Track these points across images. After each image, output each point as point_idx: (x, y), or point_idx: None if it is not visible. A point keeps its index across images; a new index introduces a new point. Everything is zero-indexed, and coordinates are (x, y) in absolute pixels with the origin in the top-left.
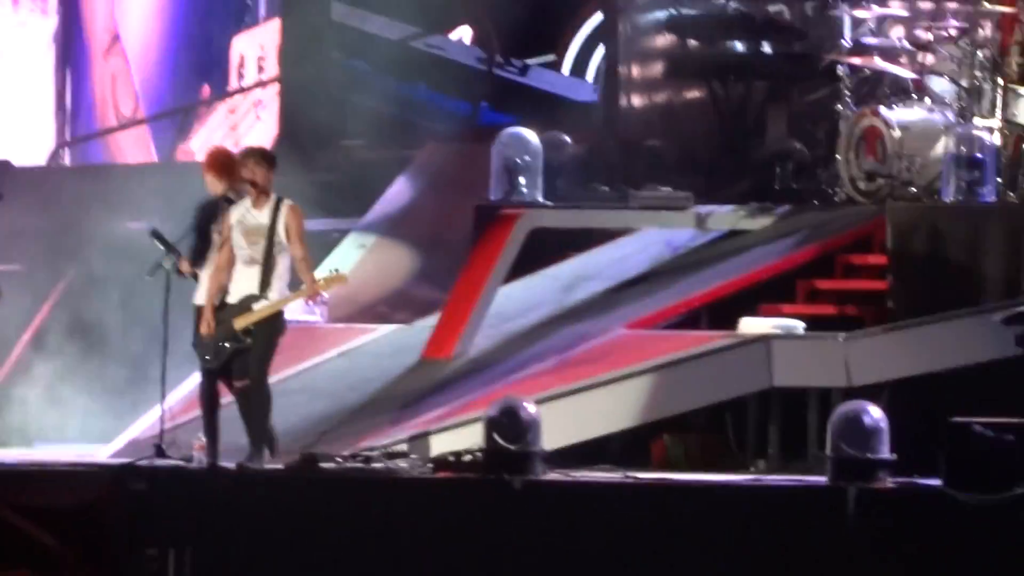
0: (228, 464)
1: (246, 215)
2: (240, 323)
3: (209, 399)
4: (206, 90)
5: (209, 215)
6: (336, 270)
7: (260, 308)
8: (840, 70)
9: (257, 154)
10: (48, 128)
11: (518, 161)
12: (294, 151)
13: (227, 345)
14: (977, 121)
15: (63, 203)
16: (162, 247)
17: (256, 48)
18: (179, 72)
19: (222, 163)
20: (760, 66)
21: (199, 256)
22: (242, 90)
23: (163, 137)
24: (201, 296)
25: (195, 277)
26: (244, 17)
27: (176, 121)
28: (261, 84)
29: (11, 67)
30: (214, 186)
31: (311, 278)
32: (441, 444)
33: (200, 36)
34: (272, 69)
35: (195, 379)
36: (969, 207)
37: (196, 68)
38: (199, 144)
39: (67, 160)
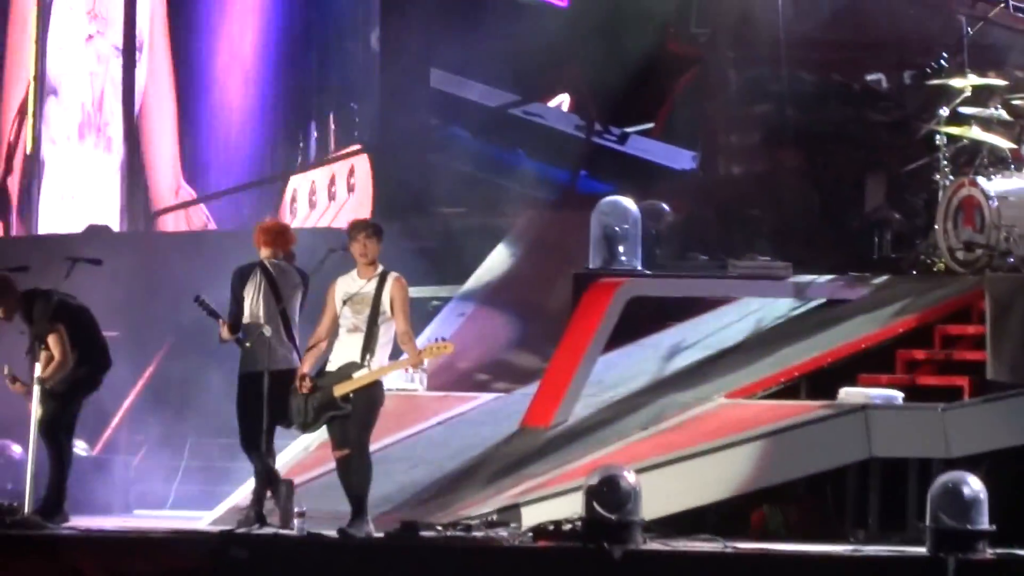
0: (329, 532)
1: (352, 284)
2: (340, 390)
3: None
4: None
5: (244, 281)
6: (442, 339)
7: (360, 376)
8: (938, 139)
9: (369, 227)
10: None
11: (617, 229)
12: (391, 218)
13: (325, 410)
14: None
15: (159, 268)
16: (206, 313)
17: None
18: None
19: (275, 233)
20: (858, 135)
21: (236, 321)
22: (333, 159)
23: (260, 205)
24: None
25: (237, 343)
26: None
27: (269, 191)
28: (353, 154)
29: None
30: (262, 252)
31: (414, 349)
32: (541, 513)
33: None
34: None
35: (292, 448)
36: None
37: (285, 141)
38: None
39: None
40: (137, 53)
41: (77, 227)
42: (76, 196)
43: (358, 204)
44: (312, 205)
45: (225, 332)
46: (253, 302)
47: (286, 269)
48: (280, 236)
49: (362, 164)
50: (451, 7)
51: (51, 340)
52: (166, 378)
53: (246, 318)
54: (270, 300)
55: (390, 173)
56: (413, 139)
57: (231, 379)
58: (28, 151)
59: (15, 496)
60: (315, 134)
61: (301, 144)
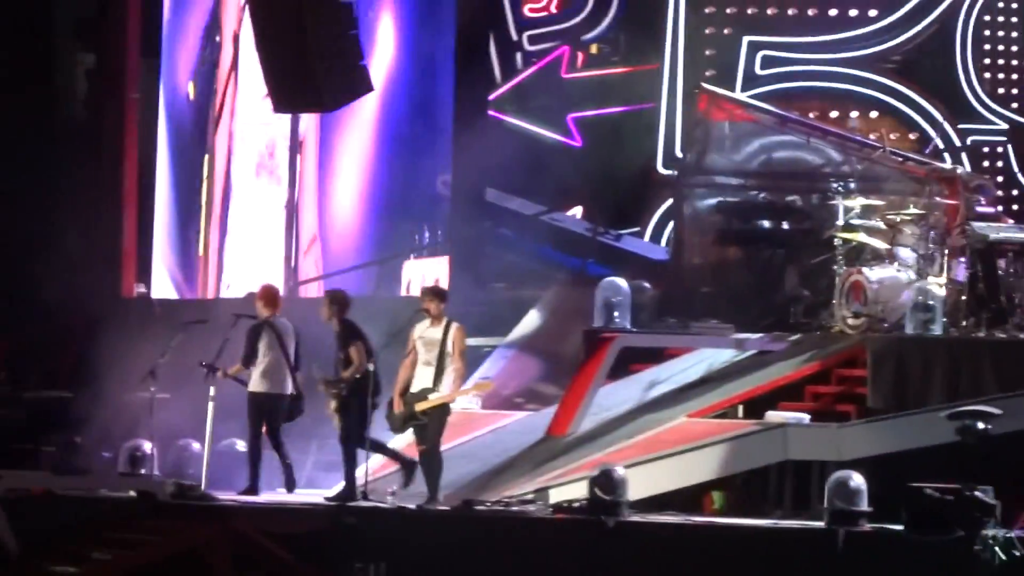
0: (411, 505)
1: (426, 331)
2: (420, 407)
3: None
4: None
5: (257, 333)
6: (486, 378)
7: (433, 398)
8: (836, 241)
9: (433, 291)
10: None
11: (613, 300)
12: (463, 290)
13: (410, 420)
14: (930, 279)
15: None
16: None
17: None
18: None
19: (271, 296)
20: (781, 238)
21: (248, 362)
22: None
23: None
24: (254, 385)
25: (236, 379)
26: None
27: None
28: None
29: (252, 225)
30: (262, 311)
31: (456, 388)
32: (559, 494)
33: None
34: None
35: (391, 444)
36: (924, 338)
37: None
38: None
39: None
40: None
41: (248, 287)
42: (251, 251)
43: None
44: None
45: (232, 370)
46: (265, 349)
47: (284, 323)
48: (277, 298)
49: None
50: (501, 148)
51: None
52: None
53: (261, 359)
54: (275, 346)
55: (462, 258)
56: (476, 236)
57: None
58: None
59: (195, 479)
60: (426, 232)
61: (416, 237)
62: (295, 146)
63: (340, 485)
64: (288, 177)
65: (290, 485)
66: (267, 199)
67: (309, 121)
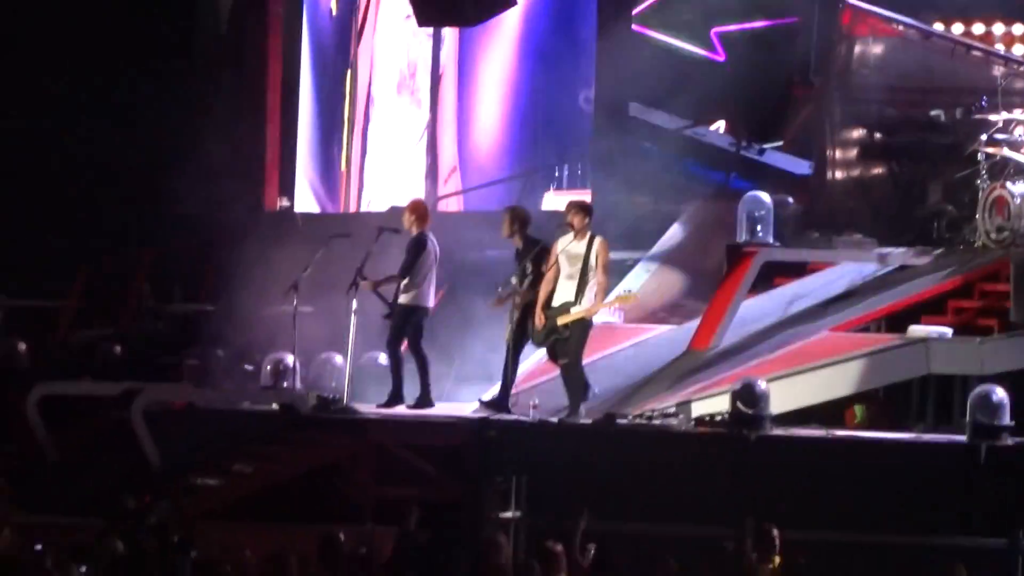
0: (553, 419)
1: (569, 245)
2: (562, 320)
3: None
4: None
5: (422, 246)
6: (629, 290)
7: (576, 311)
8: (979, 156)
9: (578, 205)
10: (419, 189)
11: (756, 214)
12: (607, 204)
13: (551, 334)
14: None
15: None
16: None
17: None
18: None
19: (423, 211)
20: (924, 152)
21: (406, 273)
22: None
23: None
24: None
25: (378, 294)
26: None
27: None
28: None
29: (393, 142)
30: (414, 225)
31: (598, 301)
32: (701, 408)
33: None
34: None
35: (530, 360)
36: None
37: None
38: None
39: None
40: (441, 41)
41: (389, 202)
42: (391, 167)
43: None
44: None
45: (367, 285)
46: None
47: (433, 239)
48: (427, 213)
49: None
50: (644, 62)
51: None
52: (450, 313)
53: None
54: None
55: (604, 173)
56: (620, 149)
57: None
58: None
59: (338, 392)
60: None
61: (556, 171)
62: (436, 73)
63: (495, 389)
64: (429, 101)
65: (422, 401)
66: (408, 119)
67: (450, 46)
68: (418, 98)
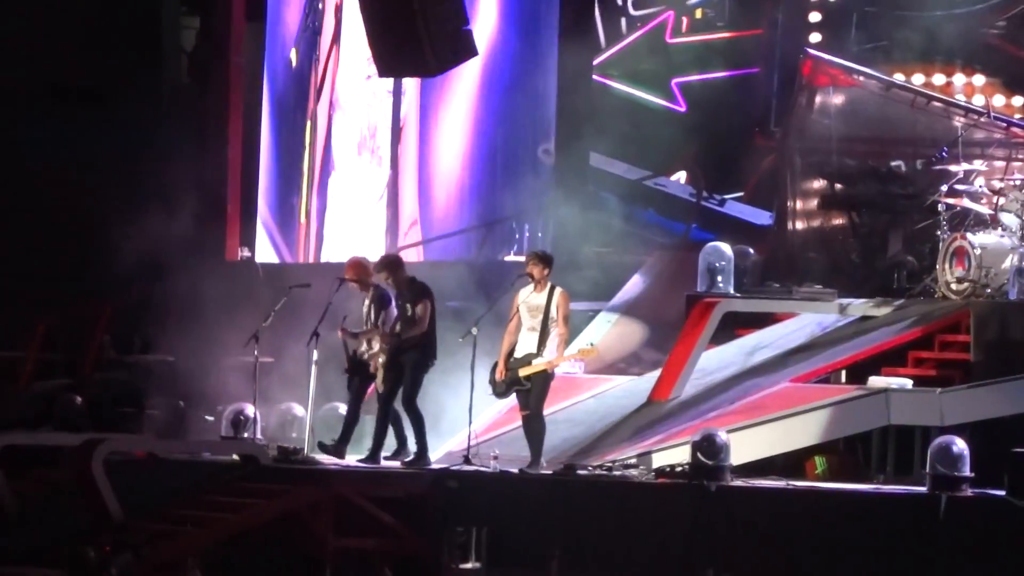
0: (513, 469)
1: (529, 296)
2: (524, 372)
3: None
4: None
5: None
6: (592, 343)
7: (537, 363)
8: (940, 207)
9: (537, 255)
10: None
11: (717, 265)
12: (564, 254)
13: (513, 385)
14: None
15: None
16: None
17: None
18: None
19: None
20: (884, 203)
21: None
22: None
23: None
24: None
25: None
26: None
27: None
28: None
29: (353, 197)
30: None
31: (560, 353)
32: (661, 459)
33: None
34: None
35: (490, 411)
36: None
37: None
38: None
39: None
40: (402, 94)
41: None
42: (351, 221)
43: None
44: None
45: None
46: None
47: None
48: (366, 271)
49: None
50: (606, 111)
51: (419, 309)
52: None
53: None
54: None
55: (563, 227)
56: (579, 202)
57: (449, 366)
58: (307, 167)
59: (298, 443)
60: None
61: (516, 236)
62: (396, 128)
63: (402, 449)
64: (390, 158)
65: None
66: (368, 177)
67: (411, 99)
68: (379, 156)
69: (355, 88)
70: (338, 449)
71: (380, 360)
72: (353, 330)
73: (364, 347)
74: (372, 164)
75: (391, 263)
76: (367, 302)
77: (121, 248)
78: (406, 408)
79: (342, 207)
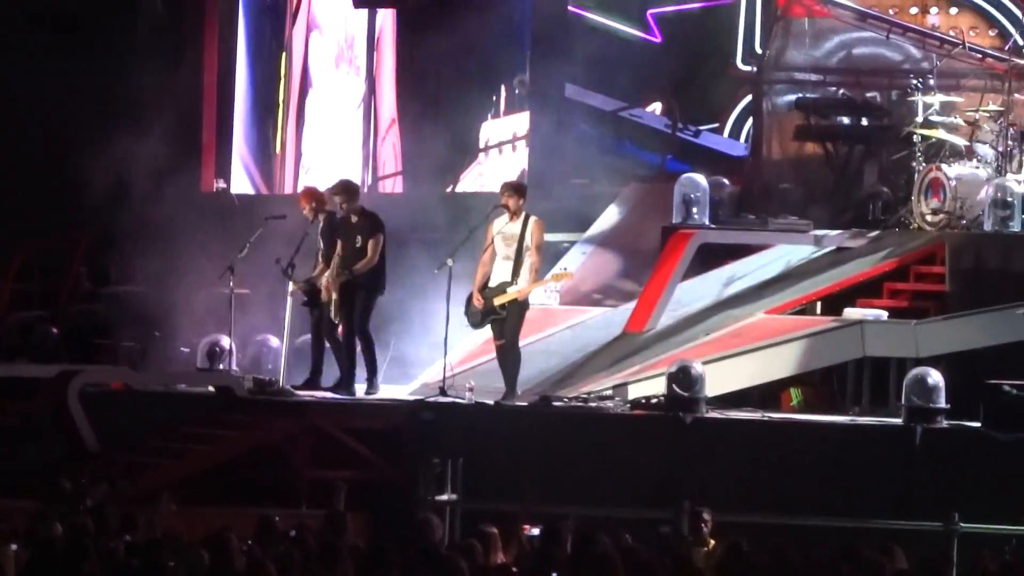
0: (488, 401)
1: (504, 226)
2: (498, 301)
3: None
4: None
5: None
6: (565, 268)
7: (511, 291)
8: (915, 138)
9: (512, 185)
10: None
11: (692, 196)
12: (541, 187)
13: (488, 315)
14: (1009, 176)
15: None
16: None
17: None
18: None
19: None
20: (860, 134)
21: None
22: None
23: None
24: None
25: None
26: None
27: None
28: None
29: (330, 118)
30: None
31: (531, 279)
32: (637, 390)
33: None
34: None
35: (466, 342)
36: (1002, 235)
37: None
38: (471, 181)
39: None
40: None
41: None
42: (330, 148)
43: (515, 171)
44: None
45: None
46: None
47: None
48: (321, 198)
49: (521, 149)
50: (581, 42)
51: (371, 243)
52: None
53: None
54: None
55: (541, 154)
56: (556, 132)
57: (429, 295)
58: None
59: (274, 374)
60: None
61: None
62: (372, 39)
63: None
64: (366, 68)
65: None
66: (346, 90)
67: (386, 16)
68: (356, 66)
69: (330, 4)
70: (313, 383)
71: (333, 293)
72: (301, 280)
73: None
74: (351, 74)
75: (348, 187)
76: (320, 228)
77: (96, 179)
78: (358, 335)
79: (319, 132)
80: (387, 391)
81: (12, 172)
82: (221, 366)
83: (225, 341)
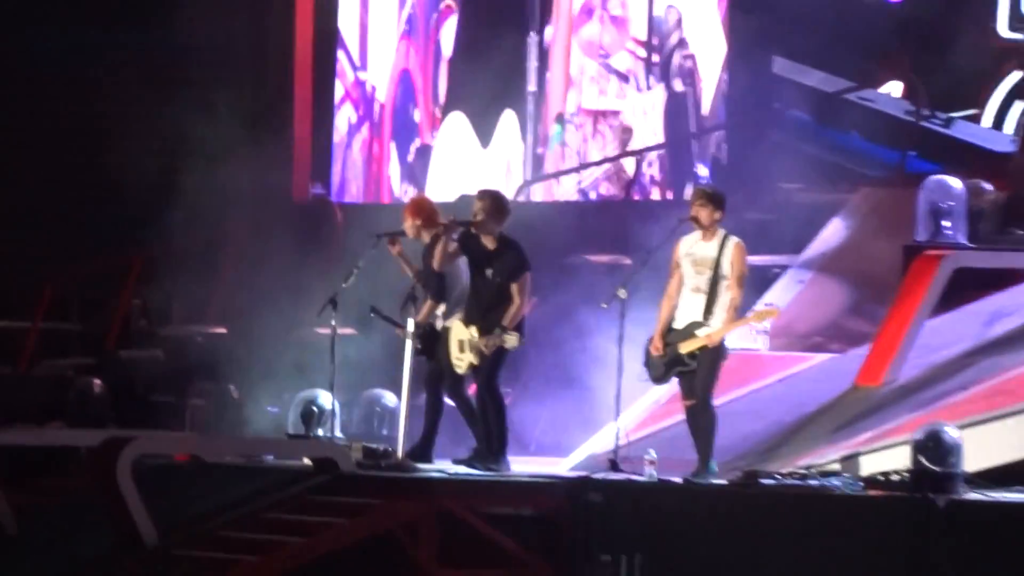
0: (675, 478)
1: (695, 247)
2: (685, 348)
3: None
4: None
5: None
6: (771, 304)
7: (702, 335)
8: None
9: (706, 194)
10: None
11: (943, 206)
12: (738, 191)
13: (674, 365)
14: None
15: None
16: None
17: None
18: None
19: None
20: None
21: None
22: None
23: None
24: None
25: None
26: None
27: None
28: (709, 130)
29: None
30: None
31: (730, 319)
32: (871, 464)
33: None
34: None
35: (645, 400)
36: None
37: None
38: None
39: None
40: None
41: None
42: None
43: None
44: None
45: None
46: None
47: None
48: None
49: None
50: (793, 5)
51: (515, 287)
52: (535, 337)
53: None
54: None
55: (739, 149)
56: (759, 120)
57: (584, 338)
58: None
59: (389, 441)
60: None
61: None
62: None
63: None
64: None
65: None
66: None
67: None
68: None
69: None
70: (423, 454)
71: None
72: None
73: (432, 316)
74: None
75: (497, 199)
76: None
77: (153, 186)
78: (485, 391)
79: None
80: (539, 465)
81: (40, 174)
82: (320, 431)
83: (325, 398)
